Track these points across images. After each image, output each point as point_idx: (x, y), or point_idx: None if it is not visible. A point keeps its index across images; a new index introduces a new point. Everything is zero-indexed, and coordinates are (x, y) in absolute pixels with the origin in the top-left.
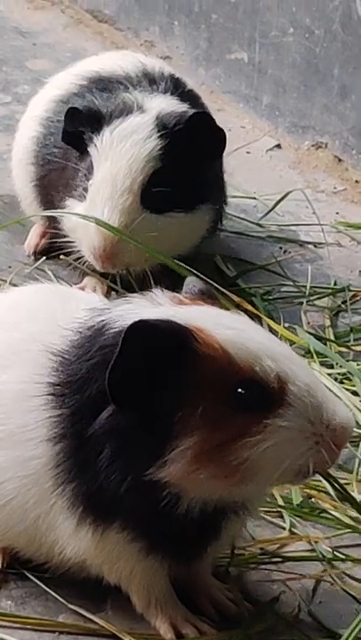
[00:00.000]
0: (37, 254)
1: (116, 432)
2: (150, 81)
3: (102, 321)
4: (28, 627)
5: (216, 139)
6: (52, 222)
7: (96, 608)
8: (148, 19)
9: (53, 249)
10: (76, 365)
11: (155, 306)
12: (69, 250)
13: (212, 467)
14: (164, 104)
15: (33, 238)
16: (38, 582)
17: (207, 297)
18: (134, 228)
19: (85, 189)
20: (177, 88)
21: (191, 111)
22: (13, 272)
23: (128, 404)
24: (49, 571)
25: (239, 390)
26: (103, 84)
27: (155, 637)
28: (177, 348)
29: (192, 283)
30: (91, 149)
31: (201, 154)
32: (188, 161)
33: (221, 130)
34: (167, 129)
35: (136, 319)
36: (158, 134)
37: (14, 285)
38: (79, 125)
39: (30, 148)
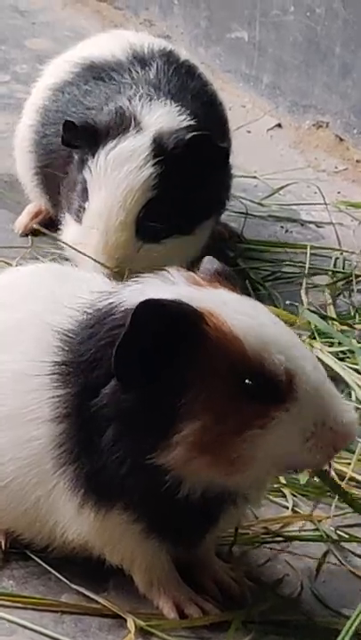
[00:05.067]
0: (27, 235)
1: (120, 412)
2: (141, 63)
3: (112, 302)
4: (30, 607)
5: (218, 155)
6: (55, 205)
7: (99, 588)
8: None
9: (52, 227)
10: (83, 345)
11: (168, 285)
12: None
13: (212, 455)
14: (164, 119)
15: (24, 217)
16: (40, 562)
17: (223, 278)
18: (133, 257)
19: (81, 209)
20: (170, 64)
21: (190, 133)
22: (19, 255)
23: (133, 383)
24: (51, 552)
25: (246, 381)
26: (96, 71)
27: (158, 617)
28: (187, 331)
29: (209, 262)
30: (85, 173)
31: (201, 172)
32: (187, 183)
33: (223, 147)
34: (164, 152)
35: (147, 298)
36: (154, 160)
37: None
38: (75, 139)
39: (28, 135)
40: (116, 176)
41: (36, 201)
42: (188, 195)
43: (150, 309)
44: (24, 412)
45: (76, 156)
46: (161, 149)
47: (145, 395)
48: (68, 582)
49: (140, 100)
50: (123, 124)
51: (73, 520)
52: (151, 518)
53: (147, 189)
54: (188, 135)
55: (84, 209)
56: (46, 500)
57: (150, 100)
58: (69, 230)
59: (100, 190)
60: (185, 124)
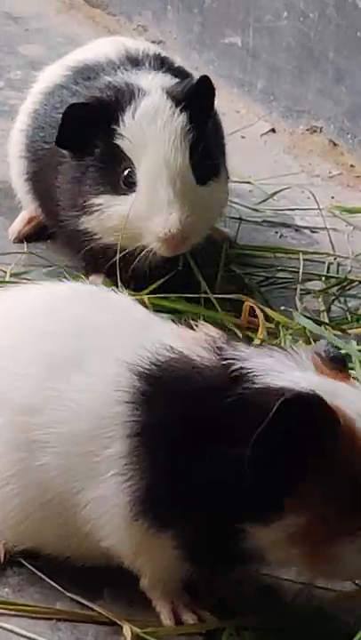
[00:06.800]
0: (21, 241)
1: (230, 471)
2: (133, 62)
3: (237, 370)
4: (25, 614)
5: (213, 97)
6: (47, 212)
7: (93, 595)
8: (141, 3)
9: (45, 234)
10: (179, 401)
11: (300, 369)
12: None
13: (307, 549)
14: (159, 80)
15: (18, 223)
16: (35, 570)
17: (341, 365)
18: (197, 203)
19: (117, 181)
20: (163, 65)
21: (194, 79)
22: (13, 262)
23: (261, 467)
24: (45, 558)
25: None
26: (87, 72)
27: (152, 624)
28: (321, 427)
29: (324, 347)
30: (117, 140)
31: (208, 114)
32: (204, 125)
33: (214, 88)
34: (183, 101)
35: (289, 387)
36: (178, 108)
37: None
38: (85, 121)
39: (20, 140)
40: (155, 129)
41: (28, 207)
42: (208, 137)
43: (295, 406)
44: (91, 434)
45: (66, 154)
46: (177, 99)
47: (261, 473)
48: (62, 590)
49: (123, 74)
50: (124, 93)
51: (114, 530)
52: (193, 551)
53: (187, 133)
54: (194, 80)
55: (129, 176)
56: (84, 507)
57: (134, 73)
58: (121, 207)
59: (147, 146)
60: (176, 80)
